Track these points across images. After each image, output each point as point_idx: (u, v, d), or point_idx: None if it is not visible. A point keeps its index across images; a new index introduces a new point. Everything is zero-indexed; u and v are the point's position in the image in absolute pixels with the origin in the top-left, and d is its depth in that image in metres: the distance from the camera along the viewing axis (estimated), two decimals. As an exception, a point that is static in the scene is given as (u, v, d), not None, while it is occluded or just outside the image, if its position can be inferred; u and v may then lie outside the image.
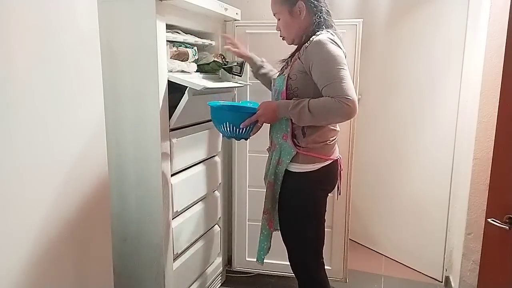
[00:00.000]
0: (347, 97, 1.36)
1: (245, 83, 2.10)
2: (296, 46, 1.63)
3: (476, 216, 1.99)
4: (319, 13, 1.53)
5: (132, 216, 1.70)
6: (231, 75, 2.06)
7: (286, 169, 1.55)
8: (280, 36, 1.63)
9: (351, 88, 1.38)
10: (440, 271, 2.41)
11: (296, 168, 1.54)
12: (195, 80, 1.68)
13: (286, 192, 1.57)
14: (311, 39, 1.49)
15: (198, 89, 1.58)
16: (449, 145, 2.28)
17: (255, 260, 1.68)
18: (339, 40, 1.52)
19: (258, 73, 1.87)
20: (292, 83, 1.52)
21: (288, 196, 1.57)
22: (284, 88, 1.53)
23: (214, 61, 1.90)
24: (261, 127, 1.61)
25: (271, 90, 1.77)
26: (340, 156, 1.66)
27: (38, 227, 1.06)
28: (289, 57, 1.64)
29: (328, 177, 1.61)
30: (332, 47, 1.42)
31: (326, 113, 1.42)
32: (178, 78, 1.62)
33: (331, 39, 1.46)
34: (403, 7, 2.49)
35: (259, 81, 1.92)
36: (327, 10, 1.56)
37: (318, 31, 1.51)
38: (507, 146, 1.15)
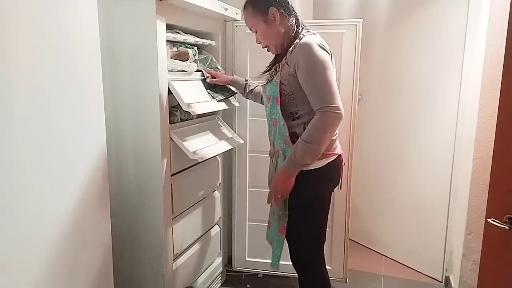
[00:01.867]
0: (330, 105, 1.40)
1: (236, 104, 2.13)
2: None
3: (476, 216, 1.99)
4: (292, 14, 1.56)
5: (132, 216, 1.70)
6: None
7: None
8: (264, 47, 1.64)
9: (333, 94, 1.41)
10: (440, 271, 2.41)
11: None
12: (188, 95, 1.70)
13: (295, 190, 1.57)
14: (295, 42, 1.50)
15: (185, 109, 1.64)
16: (449, 145, 2.28)
17: (272, 265, 1.72)
18: (324, 40, 1.54)
19: (246, 91, 1.92)
20: (285, 88, 1.53)
21: (297, 193, 1.57)
22: (278, 94, 1.54)
23: (205, 78, 1.91)
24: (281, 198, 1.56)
25: (262, 104, 1.80)
26: (342, 151, 1.68)
27: (37, 227, 1.06)
28: (271, 65, 1.66)
29: (334, 172, 1.64)
30: (317, 51, 1.44)
31: (320, 133, 1.44)
32: (174, 89, 1.63)
33: (318, 43, 1.46)
34: (403, 7, 2.49)
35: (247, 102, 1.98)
36: (295, 10, 1.59)
37: (300, 33, 1.54)
38: (507, 146, 1.15)
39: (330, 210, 1.68)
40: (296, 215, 1.61)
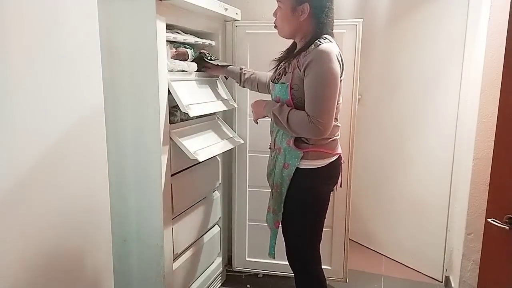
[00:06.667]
0: (319, 120, 1.43)
1: (234, 105, 2.13)
2: (291, 44, 1.65)
3: (476, 216, 1.99)
4: (321, 23, 1.51)
5: (132, 216, 1.70)
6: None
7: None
8: (273, 24, 1.61)
9: (328, 112, 1.44)
10: (440, 271, 2.41)
11: (306, 164, 1.56)
12: (188, 97, 1.71)
13: (295, 187, 1.58)
14: (312, 46, 1.47)
15: (184, 111, 1.65)
16: (449, 145, 2.29)
17: (268, 254, 1.72)
18: (339, 49, 1.52)
19: (242, 80, 1.91)
20: (295, 93, 1.52)
21: (296, 191, 1.59)
22: (289, 97, 1.53)
23: (200, 52, 1.90)
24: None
25: (259, 91, 1.86)
26: (341, 150, 1.69)
27: (37, 227, 1.06)
28: (283, 61, 1.63)
29: (334, 171, 1.65)
30: (333, 63, 1.43)
31: (298, 128, 1.49)
32: (174, 91, 1.63)
33: (337, 53, 1.46)
34: (403, 7, 2.49)
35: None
36: (332, 25, 1.57)
37: (318, 38, 1.49)
38: (507, 146, 1.15)
39: (330, 210, 1.68)
40: (294, 212, 1.61)
